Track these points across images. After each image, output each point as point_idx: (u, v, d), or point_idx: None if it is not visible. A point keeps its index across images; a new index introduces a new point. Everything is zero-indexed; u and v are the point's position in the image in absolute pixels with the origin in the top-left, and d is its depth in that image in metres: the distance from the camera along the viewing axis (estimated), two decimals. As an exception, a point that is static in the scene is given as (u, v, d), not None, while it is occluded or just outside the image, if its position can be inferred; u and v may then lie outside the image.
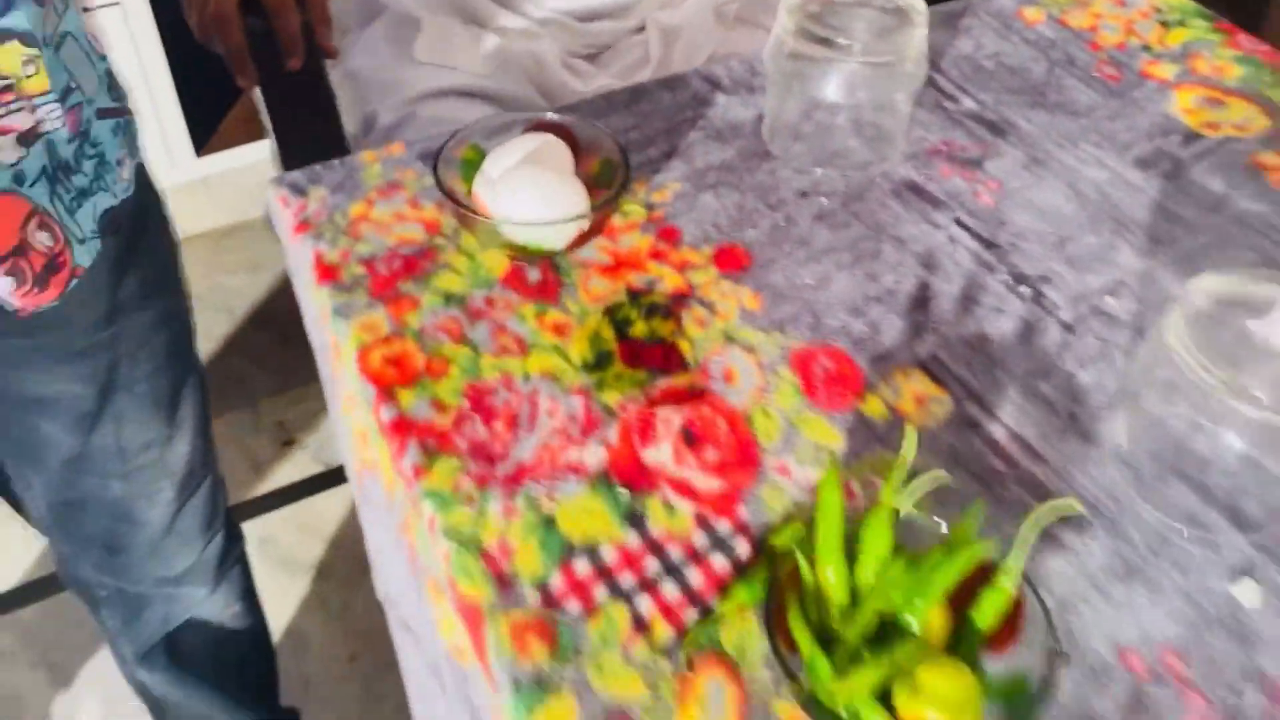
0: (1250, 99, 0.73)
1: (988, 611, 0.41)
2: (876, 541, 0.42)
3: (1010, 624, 0.41)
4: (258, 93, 0.79)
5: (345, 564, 1.23)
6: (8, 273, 0.54)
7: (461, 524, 0.47)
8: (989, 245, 0.62)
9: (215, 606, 0.81)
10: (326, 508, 1.29)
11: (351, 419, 0.58)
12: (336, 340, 0.57)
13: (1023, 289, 0.59)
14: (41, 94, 0.53)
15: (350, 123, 0.86)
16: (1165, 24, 0.79)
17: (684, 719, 0.42)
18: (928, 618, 0.40)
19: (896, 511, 0.43)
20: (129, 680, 0.84)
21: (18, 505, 0.81)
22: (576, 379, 0.54)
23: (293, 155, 0.76)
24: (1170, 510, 0.48)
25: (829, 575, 0.42)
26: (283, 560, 1.23)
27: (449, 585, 0.46)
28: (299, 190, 0.64)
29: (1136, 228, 0.63)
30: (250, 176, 1.60)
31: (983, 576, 0.41)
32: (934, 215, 0.64)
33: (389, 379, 0.54)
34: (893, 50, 0.63)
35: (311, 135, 0.78)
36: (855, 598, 0.42)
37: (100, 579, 0.74)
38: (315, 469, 1.33)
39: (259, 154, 1.59)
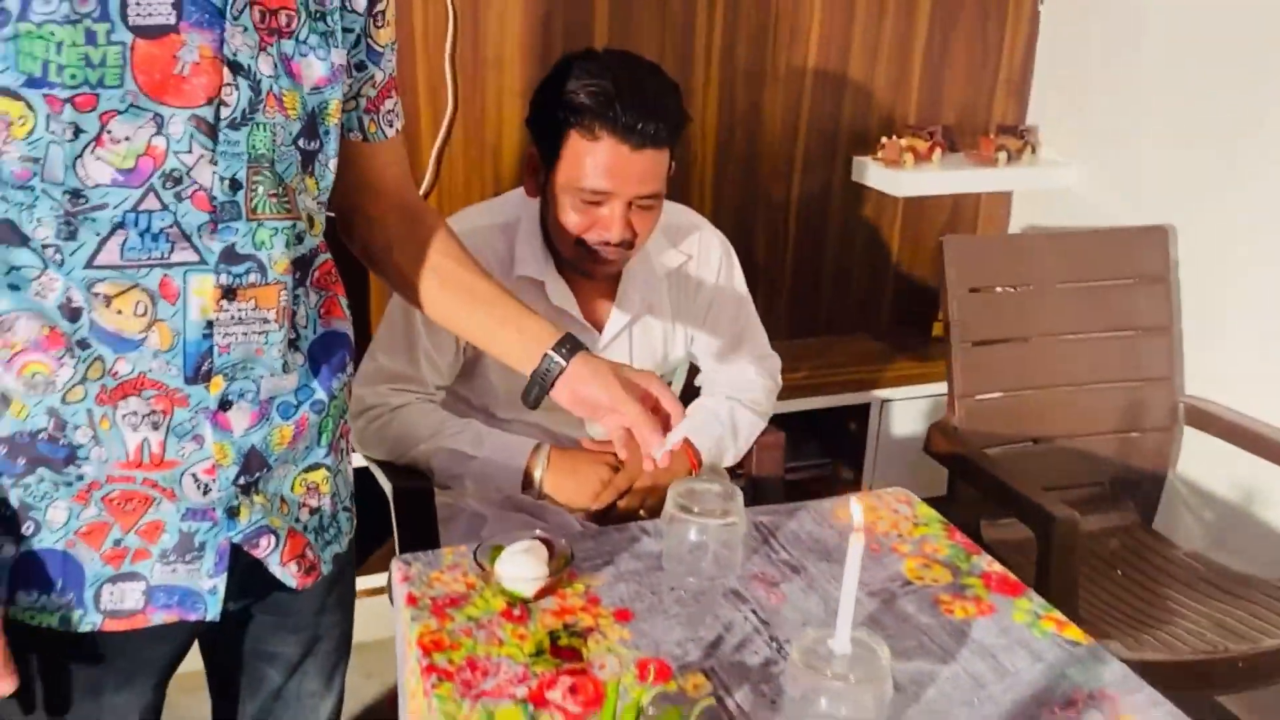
0: (944, 565, 1.25)
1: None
2: None
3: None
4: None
5: None
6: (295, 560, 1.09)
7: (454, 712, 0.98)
8: (764, 623, 1.14)
9: None
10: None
11: (409, 685, 1.10)
12: (408, 635, 1.11)
13: (773, 644, 1.10)
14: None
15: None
16: (915, 524, 1.35)
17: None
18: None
19: None
20: None
21: None
22: (524, 659, 1.06)
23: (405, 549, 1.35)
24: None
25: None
26: None
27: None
28: (406, 563, 1.22)
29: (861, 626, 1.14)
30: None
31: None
32: (740, 606, 1.17)
33: (428, 648, 1.07)
34: (730, 514, 1.20)
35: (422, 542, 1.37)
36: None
37: None
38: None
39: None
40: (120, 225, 0.87)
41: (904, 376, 2.35)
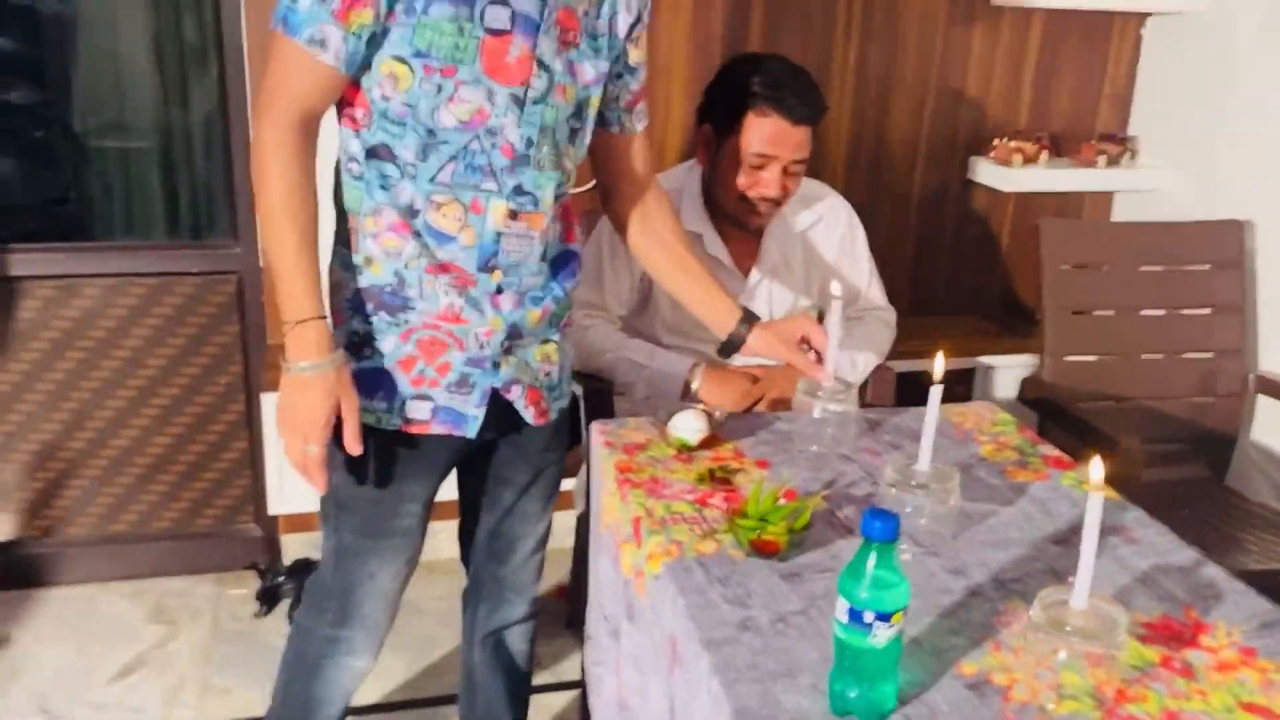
0: (1013, 449, 1.62)
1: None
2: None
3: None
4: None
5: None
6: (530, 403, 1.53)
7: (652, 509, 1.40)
8: (867, 473, 1.53)
9: (520, 633, 1.70)
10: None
11: (607, 523, 1.52)
12: (605, 469, 1.53)
13: (875, 484, 1.49)
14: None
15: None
16: (994, 423, 1.71)
17: (698, 544, 1.31)
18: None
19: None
20: (464, 658, 1.73)
21: (465, 540, 1.74)
22: (690, 482, 1.47)
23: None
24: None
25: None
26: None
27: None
28: (603, 424, 1.64)
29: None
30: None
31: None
32: (849, 464, 1.56)
33: (623, 469, 1.49)
34: (844, 401, 1.59)
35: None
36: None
37: (491, 576, 1.66)
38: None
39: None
40: (453, 158, 1.34)
41: (1006, 348, 2.68)
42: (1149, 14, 2.74)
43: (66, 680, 2.23)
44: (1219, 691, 1.08)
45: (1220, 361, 2.39)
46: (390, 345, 1.40)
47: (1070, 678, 1.06)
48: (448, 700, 2.01)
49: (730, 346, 1.64)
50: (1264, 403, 2.42)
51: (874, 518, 0.98)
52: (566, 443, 1.68)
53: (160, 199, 2.64)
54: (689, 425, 1.56)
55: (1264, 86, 2.43)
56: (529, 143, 1.36)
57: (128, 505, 2.58)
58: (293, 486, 2.35)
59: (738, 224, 1.96)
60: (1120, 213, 2.91)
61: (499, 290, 1.42)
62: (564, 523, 2.15)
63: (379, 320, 1.39)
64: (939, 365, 1.34)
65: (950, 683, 1.08)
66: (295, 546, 2.61)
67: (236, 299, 2.50)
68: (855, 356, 2.04)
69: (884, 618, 0.98)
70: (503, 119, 1.33)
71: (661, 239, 1.62)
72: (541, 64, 1.34)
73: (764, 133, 1.85)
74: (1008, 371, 2.62)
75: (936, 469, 1.34)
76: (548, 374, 1.54)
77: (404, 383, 1.42)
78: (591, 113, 1.46)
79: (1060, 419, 2.19)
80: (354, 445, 1.35)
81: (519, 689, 1.76)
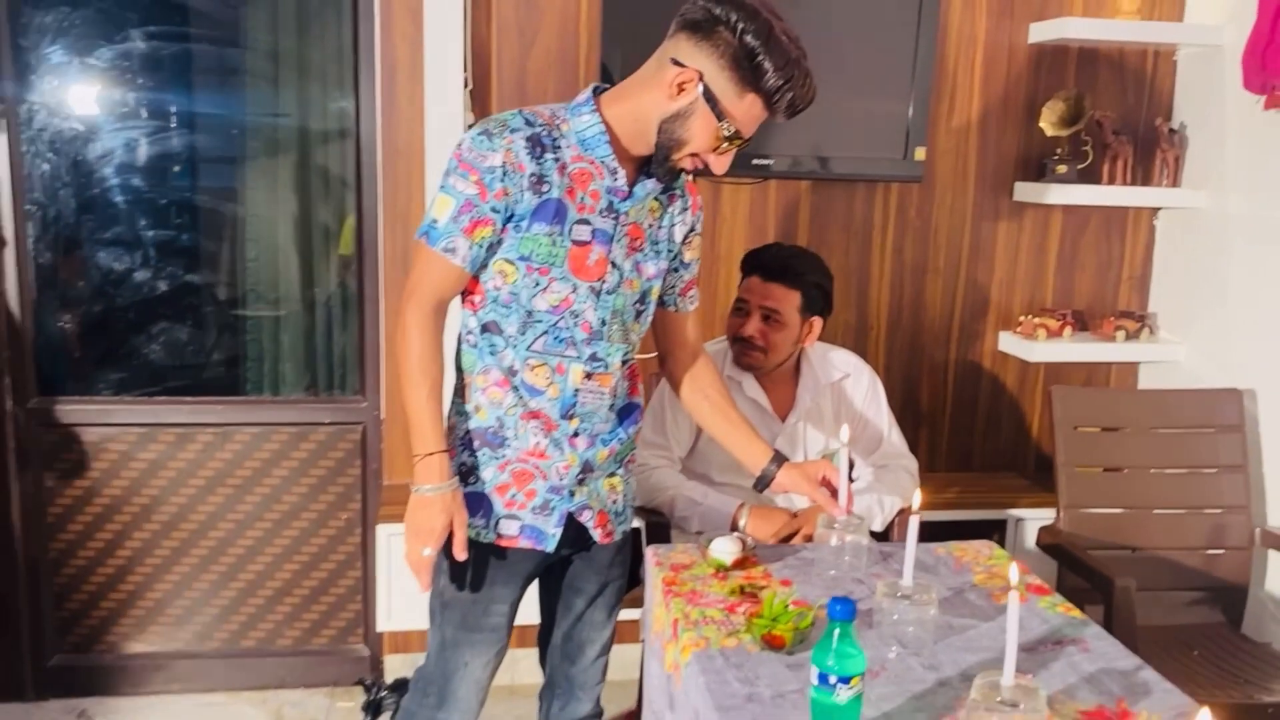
0: (1002, 579, 1.91)
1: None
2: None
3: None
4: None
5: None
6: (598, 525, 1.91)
7: (701, 628, 1.74)
8: (872, 591, 1.84)
9: None
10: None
11: (655, 630, 1.87)
12: (655, 583, 1.88)
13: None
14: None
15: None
16: (990, 558, 2.01)
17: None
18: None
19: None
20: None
21: (543, 643, 2.09)
22: (723, 594, 1.81)
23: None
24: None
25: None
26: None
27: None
28: (655, 549, 2.00)
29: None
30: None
31: (803, 615, 1.62)
32: (861, 585, 1.88)
33: (669, 583, 1.84)
34: (858, 532, 1.92)
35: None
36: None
37: (564, 675, 2.00)
38: None
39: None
40: (544, 333, 1.76)
41: (1034, 501, 2.96)
42: (1159, 208, 3.11)
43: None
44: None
45: (1228, 516, 2.64)
46: (490, 474, 1.80)
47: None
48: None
49: (762, 481, 1.99)
50: (1274, 556, 2.64)
51: (836, 602, 1.32)
52: (629, 561, 2.04)
53: (301, 360, 3.15)
54: (725, 548, 1.91)
55: (1257, 270, 2.75)
56: (602, 322, 1.78)
57: (256, 623, 2.99)
58: (399, 606, 2.74)
59: (744, 366, 2.38)
60: (1145, 381, 3.21)
61: (575, 434, 1.81)
62: (632, 655, 2.47)
63: (482, 454, 1.80)
64: (917, 498, 1.68)
65: (908, 741, 1.39)
66: (397, 665, 2.97)
67: (361, 445, 2.95)
68: (883, 499, 2.37)
69: (845, 680, 1.31)
70: (583, 305, 1.76)
71: (706, 394, 2.01)
72: (614, 264, 1.77)
73: (744, 286, 2.37)
74: (1035, 522, 2.89)
75: (919, 584, 1.66)
76: (614, 501, 1.92)
77: (499, 505, 1.81)
78: (653, 299, 1.88)
79: (1071, 564, 2.46)
80: (461, 552, 1.74)
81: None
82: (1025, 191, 3.02)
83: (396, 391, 2.72)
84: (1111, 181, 2.99)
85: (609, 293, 1.77)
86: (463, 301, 1.80)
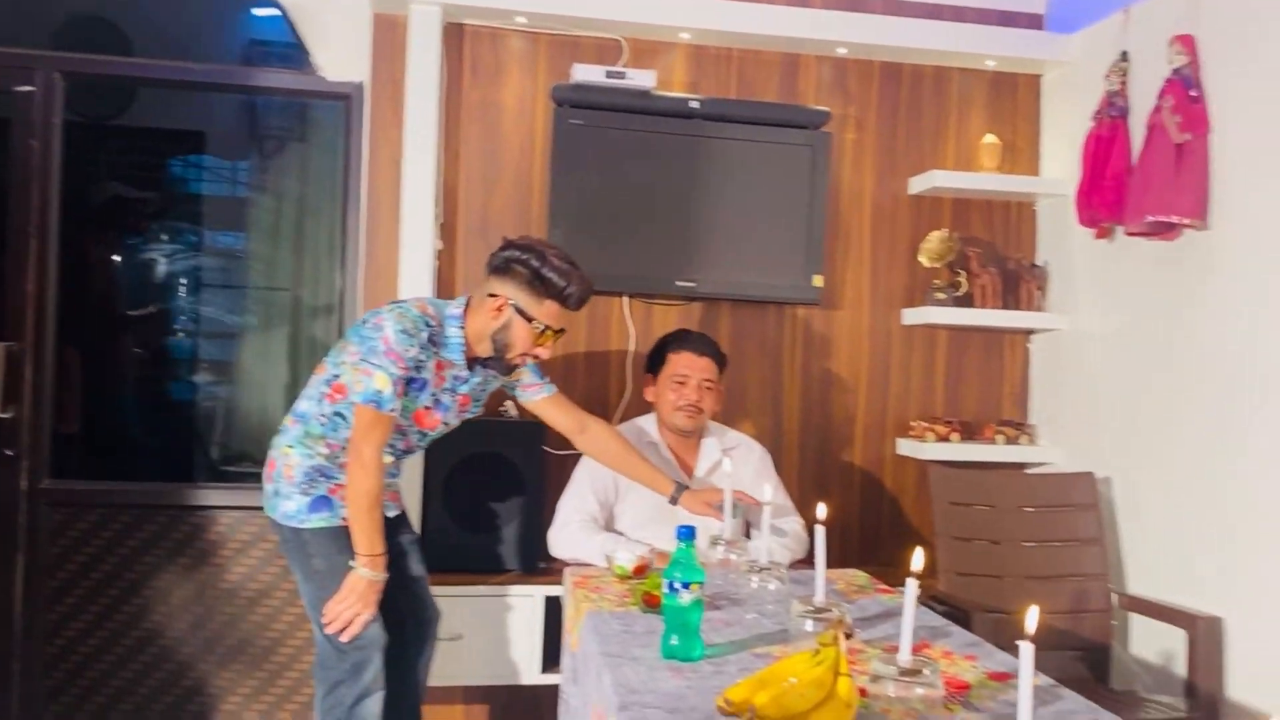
0: (858, 588, 2.29)
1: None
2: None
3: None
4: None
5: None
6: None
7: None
8: (749, 577, 2.22)
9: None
10: None
11: (566, 629, 2.24)
12: (569, 587, 2.26)
13: (746, 578, 2.18)
14: None
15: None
16: (855, 580, 2.40)
17: None
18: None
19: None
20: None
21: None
22: (625, 590, 2.19)
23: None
24: None
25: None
26: None
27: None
28: (573, 571, 2.38)
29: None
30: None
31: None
32: (739, 586, 2.26)
33: (579, 584, 2.22)
34: (736, 545, 2.32)
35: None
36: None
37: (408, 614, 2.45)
38: None
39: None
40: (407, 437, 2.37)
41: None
42: (1031, 330, 3.63)
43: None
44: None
45: (1089, 583, 3.01)
46: (327, 488, 2.48)
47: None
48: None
49: (672, 503, 2.57)
50: (1134, 617, 3.00)
51: (681, 527, 1.73)
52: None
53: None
54: (625, 558, 2.30)
55: (1111, 377, 3.23)
56: (422, 436, 2.52)
57: (300, 689, 3.29)
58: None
59: (679, 430, 2.83)
60: (1031, 484, 3.62)
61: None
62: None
63: (322, 480, 2.47)
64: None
65: (742, 655, 1.76)
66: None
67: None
68: (782, 553, 2.76)
69: (685, 585, 1.70)
70: (413, 434, 2.50)
71: (604, 441, 2.61)
72: (445, 423, 2.52)
73: (682, 362, 2.89)
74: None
75: (773, 562, 2.06)
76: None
77: (336, 502, 2.47)
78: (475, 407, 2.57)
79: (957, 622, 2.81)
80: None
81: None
82: (911, 315, 3.54)
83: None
84: (984, 306, 3.51)
85: (433, 432, 2.50)
86: (327, 393, 2.41)
